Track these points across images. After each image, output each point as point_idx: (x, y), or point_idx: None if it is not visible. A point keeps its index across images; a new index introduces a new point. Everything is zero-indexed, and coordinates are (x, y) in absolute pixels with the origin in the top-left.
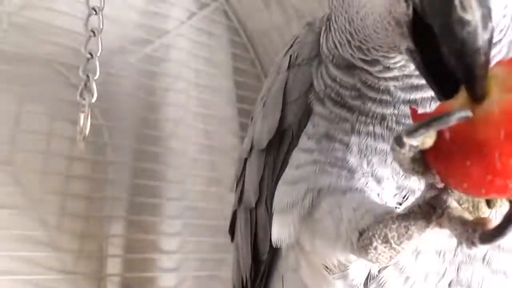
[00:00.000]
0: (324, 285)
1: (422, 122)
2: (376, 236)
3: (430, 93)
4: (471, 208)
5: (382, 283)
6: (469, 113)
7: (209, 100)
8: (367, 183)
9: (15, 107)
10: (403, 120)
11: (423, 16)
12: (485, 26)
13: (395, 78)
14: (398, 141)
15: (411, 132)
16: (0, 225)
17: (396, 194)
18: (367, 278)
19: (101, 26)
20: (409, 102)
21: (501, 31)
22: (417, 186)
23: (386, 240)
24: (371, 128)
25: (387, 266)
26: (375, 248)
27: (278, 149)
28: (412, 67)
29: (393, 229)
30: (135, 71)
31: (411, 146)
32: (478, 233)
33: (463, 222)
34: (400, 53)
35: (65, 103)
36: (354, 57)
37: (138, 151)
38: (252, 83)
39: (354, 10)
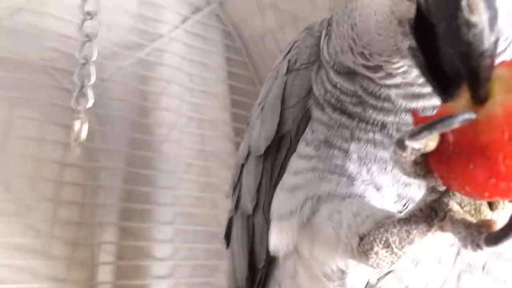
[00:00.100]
0: None
1: (425, 125)
2: (377, 240)
3: (431, 102)
4: (473, 211)
5: None
6: (473, 115)
7: (203, 105)
8: (366, 190)
9: (6, 112)
10: (404, 128)
11: (428, 16)
12: (491, 29)
13: (397, 86)
14: (400, 144)
15: (414, 135)
16: None
17: (396, 202)
18: (365, 287)
19: (97, 31)
20: (410, 110)
21: (506, 39)
22: (417, 195)
23: (387, 245)
24: (371, 135)
25: (386, 275)
26: (376, 253)
27: (276, 155)
28: (414, 73)
29: (394, 233)
30: (128, 76)
31: (413, 149)
32: (483, 235)
33: (466, 225)
34: (403, 56)
35: (57, 108)
36: (356, 64)
37: (131, 157)
38: (246, 87)
39: (356, 13)
